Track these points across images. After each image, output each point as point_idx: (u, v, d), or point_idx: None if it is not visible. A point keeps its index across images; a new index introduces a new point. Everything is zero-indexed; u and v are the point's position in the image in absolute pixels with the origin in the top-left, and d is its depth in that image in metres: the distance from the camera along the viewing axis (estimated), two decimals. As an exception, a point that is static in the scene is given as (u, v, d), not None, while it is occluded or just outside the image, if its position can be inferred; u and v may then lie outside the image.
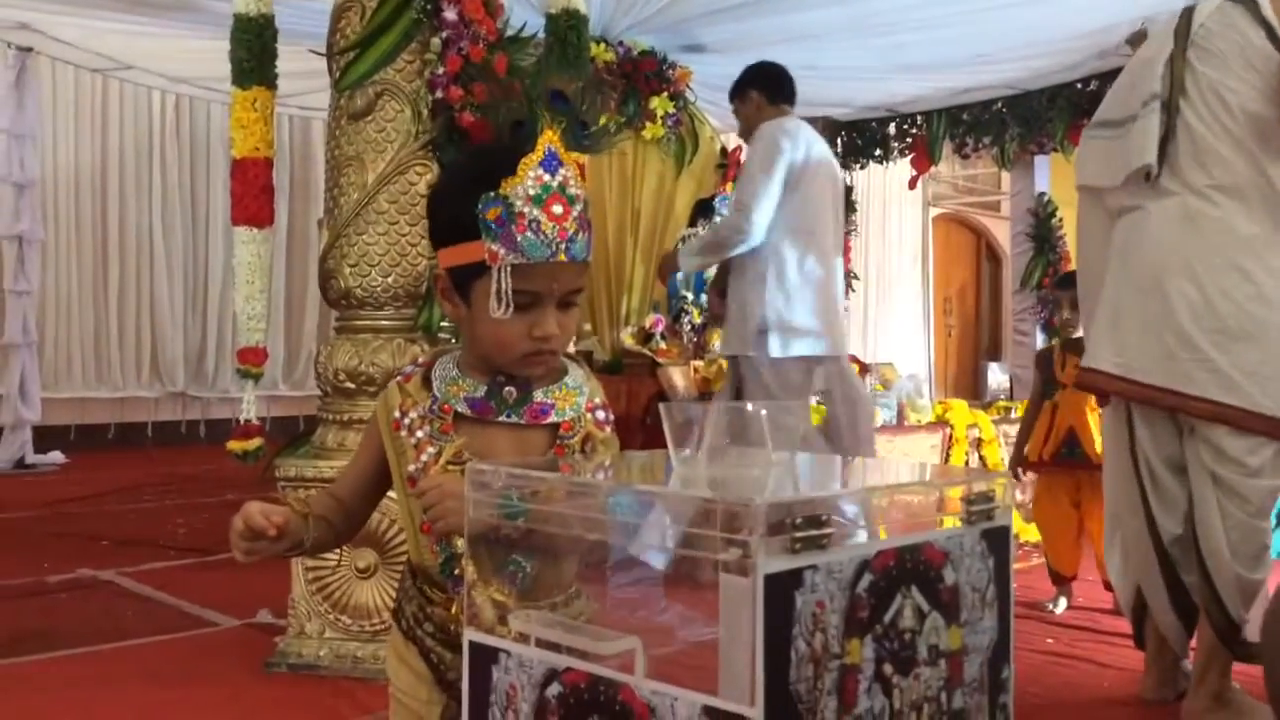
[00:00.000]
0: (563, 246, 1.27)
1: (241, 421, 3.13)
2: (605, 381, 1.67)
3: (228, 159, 9.59)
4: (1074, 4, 5.56)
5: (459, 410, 1.32)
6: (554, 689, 0.98)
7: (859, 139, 8.62)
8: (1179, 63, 2.53)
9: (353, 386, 2.99)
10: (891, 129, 8.43)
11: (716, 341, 4.99)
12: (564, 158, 1.29)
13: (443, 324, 2.99)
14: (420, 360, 1.41)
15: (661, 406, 1.04)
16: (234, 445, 3.12)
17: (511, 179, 1.26)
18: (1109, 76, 6.30)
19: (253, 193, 3.08)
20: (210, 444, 9.25)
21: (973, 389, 14.90)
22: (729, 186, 6.04)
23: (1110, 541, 2.83)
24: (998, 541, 1.03)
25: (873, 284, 12.50)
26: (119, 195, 8.65)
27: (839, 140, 8.56)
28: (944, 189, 13.91)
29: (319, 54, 3.10)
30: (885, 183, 12.02)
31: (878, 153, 8.61)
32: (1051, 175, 8.81)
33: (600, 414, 1.36)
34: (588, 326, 5.68)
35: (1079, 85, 7.07)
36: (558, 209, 1.26)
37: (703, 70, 6.22)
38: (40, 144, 7.58)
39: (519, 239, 1.25)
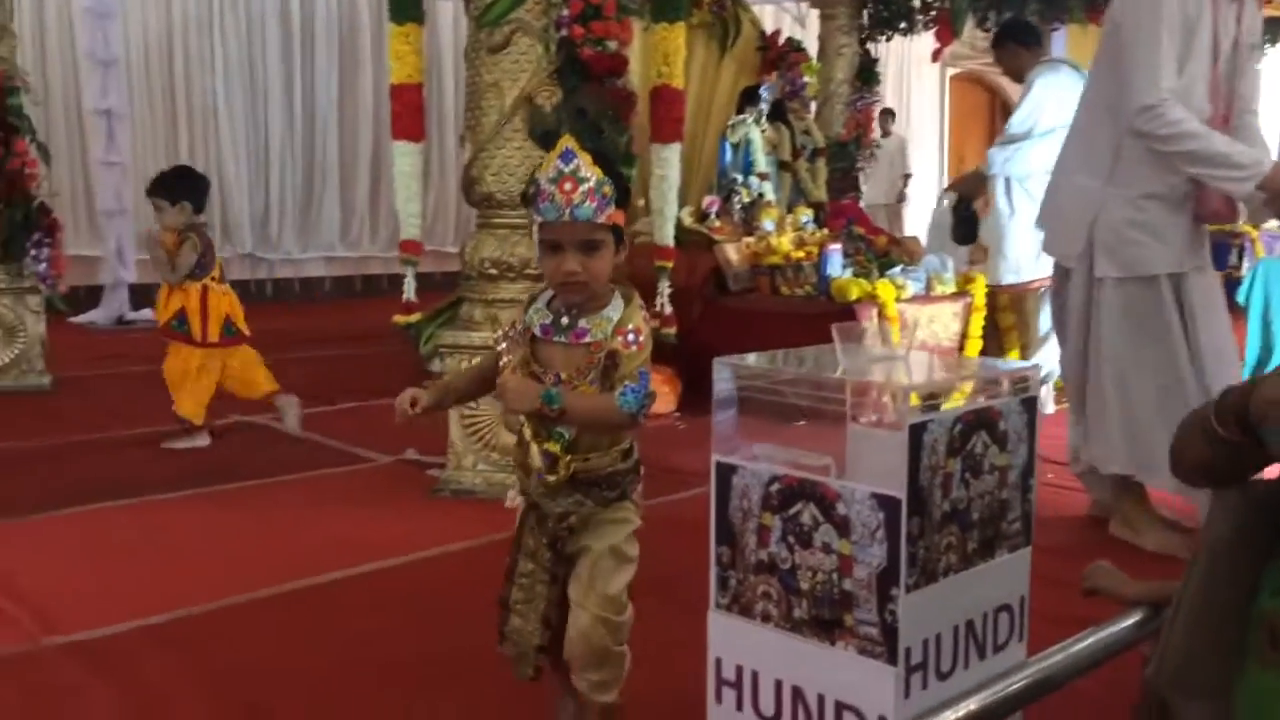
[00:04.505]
0: (568, 211, 1.84)
1: (404, 300, 3.85)
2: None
3: (283, 32, 9.97)
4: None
5: (535, 333, 1.96)
6: (775, 486, 1.72)
7: (885, 11, 9.05)
8: None
9: (495, 273, 3.70)
10: (917, 2, 8.87)
11: (766, 220, 5.64)
12: (577, 152, 1.87)
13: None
14: (528, 296, 2.05)
15: (834, 327, 1.76)
16: (399, 319, 3.84)
17: (541, 168, 1.90)
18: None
19: (409, 113, 3.71)
20: (277, 301, 9.98)
21: (981, 245, 15.54)
22: (773, 75, 6.58)
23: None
24: (1029, 405, 1.76)
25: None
26: (184, 68, 9.17)
27: (865, 13, 9.01)
28: (962, 48, 14.20)
29: (461, -7, 3.69)
30: (904, 47, 12.39)
31: (903, 25, 9.06)
32: (1068, 46, 9.25)
33: (630, 336, 1.90)
34: (640, 203, 6.30)
35: (1095, -36, 7.55)
36: (568, 186, 1.85)
37: (746, -44, 6.71)
38: (119, 22, 8.07)
39: (541, 206, 1.87)
